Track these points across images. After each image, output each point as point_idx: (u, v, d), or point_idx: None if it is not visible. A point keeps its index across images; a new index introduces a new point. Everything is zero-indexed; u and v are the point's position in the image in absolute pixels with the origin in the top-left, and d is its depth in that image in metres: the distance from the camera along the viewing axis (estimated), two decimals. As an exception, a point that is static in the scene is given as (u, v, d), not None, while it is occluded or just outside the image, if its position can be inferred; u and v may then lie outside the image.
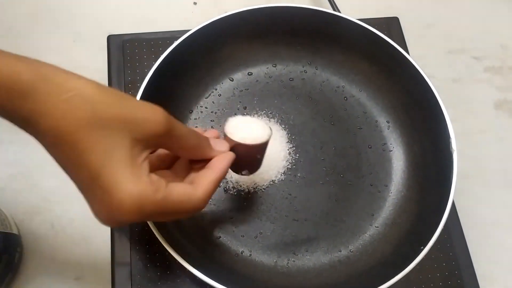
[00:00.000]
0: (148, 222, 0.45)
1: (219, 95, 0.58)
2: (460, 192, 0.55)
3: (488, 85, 0.68)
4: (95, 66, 0.62)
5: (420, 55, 0.65)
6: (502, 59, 0.69)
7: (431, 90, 0.52)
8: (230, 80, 0.59)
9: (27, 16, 0.67)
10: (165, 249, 0.44)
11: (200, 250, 0.49)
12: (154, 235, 0.44)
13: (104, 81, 0.59)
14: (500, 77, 0.68)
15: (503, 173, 0.62)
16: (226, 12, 0.55)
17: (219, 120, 0.57)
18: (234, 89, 0.59)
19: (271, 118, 0.58)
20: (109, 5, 0.68)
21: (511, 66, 0.69)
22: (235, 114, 0.57)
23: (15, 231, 0.52)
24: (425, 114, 0.54)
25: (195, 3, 0.69)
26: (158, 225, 0.45)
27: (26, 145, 0.58)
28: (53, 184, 0.57)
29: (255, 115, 0.58)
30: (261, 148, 0.44)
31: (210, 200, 0.52)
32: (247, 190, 0.53)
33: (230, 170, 0.53)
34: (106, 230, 0.52)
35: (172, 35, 0.60)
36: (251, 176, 0.53)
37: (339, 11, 0.64)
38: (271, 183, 0.54)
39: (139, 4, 0.69)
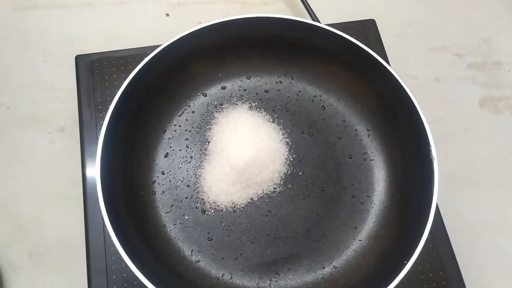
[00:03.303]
0: (121, 253, 0.43)
1: (193, 112, 0.57)
2: (447, 194, 0.53)
3: (472, 82, 0.66)
4: (66, 86, 0.60)
5: (400, 55, 0.64)
6: (485, 55, 0.68)
7: (408, 95, 0.50)
8: (204, 95, 0.57)
9: (-4, 36, 0.65)
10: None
11: (179, 277, 0.48)
12: (128, 265, 0.43)
13: (75, 102, 0.58)
14: (484, 73, 0.67)
15: (490, 172, 0.61)
16: (198, 25, 0.53)
17: (193, 139, 0.55)
18: (208, 104, 0.57)
19: (247, 132, 0.56)
20: (79, 23, 0.67)
21: (495, 61, 0.67)
22: (210, 130, 0.56)
23: (-10, 264, 0.51)
24: (403, 120, 0.52)
25: (167, 15, 0.67)
26: (132, 254, 0.43)
27: (-2, 173, 0.57)
28: (28, 212, 0.56)
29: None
30: None
31: (188, 222, 0.51)
32: (225, 210, 0.52)
33: (205, 192, 0.52)
34: (83, 258, 0.51)
35: (142, 51, 0.58)
36: (229, 195, 0.52)
37: (315, 15, 0.62)
38: (250, 201, 0.53)
39: (110, 20, 0.67)
